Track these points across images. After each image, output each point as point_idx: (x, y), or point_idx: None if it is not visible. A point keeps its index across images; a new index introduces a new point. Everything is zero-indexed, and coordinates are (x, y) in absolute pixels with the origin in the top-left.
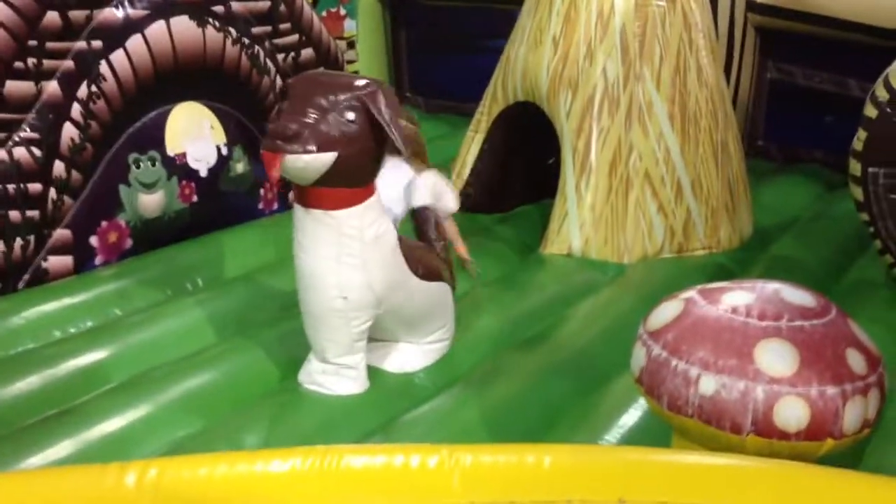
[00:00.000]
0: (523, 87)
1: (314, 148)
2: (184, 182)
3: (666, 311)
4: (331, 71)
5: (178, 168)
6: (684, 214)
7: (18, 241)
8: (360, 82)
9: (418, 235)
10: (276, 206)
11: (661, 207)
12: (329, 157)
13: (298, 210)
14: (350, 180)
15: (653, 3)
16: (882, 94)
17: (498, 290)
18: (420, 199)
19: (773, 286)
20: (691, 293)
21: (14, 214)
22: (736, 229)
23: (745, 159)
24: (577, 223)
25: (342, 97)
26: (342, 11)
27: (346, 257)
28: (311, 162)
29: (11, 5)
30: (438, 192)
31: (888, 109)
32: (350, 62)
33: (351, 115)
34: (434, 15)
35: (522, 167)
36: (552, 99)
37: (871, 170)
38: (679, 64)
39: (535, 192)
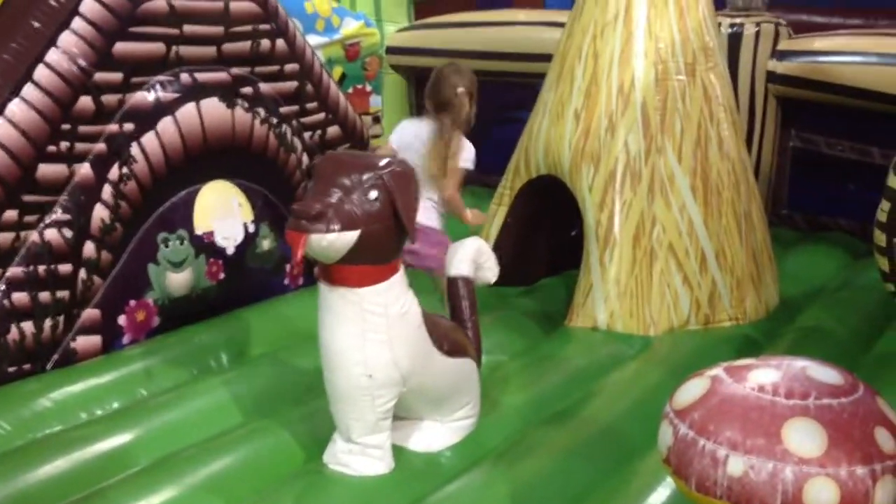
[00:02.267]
0: (546, 161)
1: (338, 227)
2: (211, 260)
3: (692, 389)
4: (355, 151)
5: (205, 246)
6: (709, 286)
7: (48, 322)
8: (383, 161)
9: (450, 306)
10: (301, 281)
11: (686, 279)
12: (353, 236)
13: (323, 288)
14: (374, 258)
15: (673, 77)
16: None
17: (524, 365)
18: (458, 269)
19: (799, 363)
20: (717, 371)
21: (44, 295)
22: (762, 300)
23: (769, 228)
24: (602, 296)
25: (365, 176)
26: (368, 87)
27: (370, 334)
28: (334, 241)
29: (45, 90)
30: (480, 262)
31: None
32: (376, 136)
33: (374, 194)
34: None
35: (545, 239)
36: (575, 173)
37: None
38: (700, 136)
39: (559, 265)
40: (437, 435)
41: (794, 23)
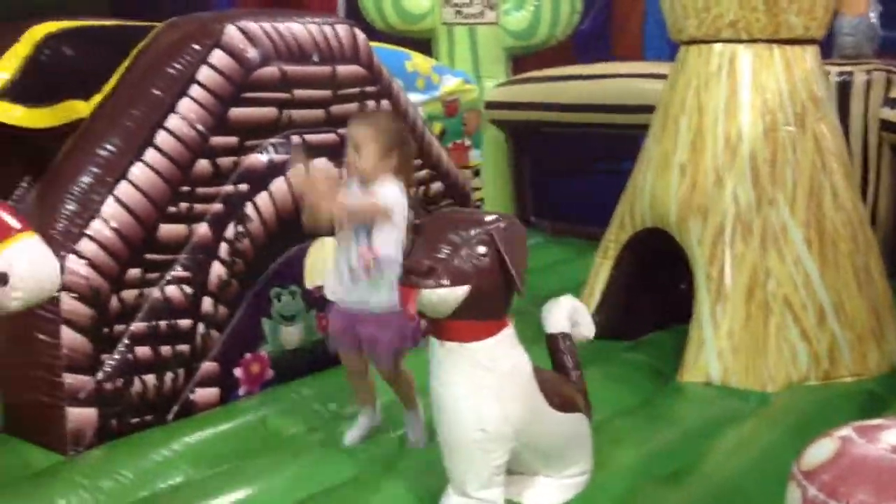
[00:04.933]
0: (651, 214)
1: (448, 282)
2: (321, 314)
3: (821, 450)
4: (461, 208)
5: (315, 300)
6: (829, 340)
7: (169, 375)
8: (490, 217)
9: (553, 362)
10: None
11: (804, 333)
12: (462, 291)
13: (435, 342)
14: (483, 313)
15: (782, 128)
16: None
17: (635, 421)
18: (555, 326)
19: None
20: (847, 431)
21: (165, 349)
22: (885, 354)
23: (888, 280)
24: (715, 350)
25: (473, 232)
26: (467, 142)
27: (482, 389)
28: (445, 296)
29: (166, 154)
30: (576, 319)
31: None
32: (475, 189)
33: (482, 250)
34: (555, 141)
35: (653, 292)
36: (682, 225)
37: None
38: (813, 188)
39: (666, 318)
40: (550, 491)
41: None
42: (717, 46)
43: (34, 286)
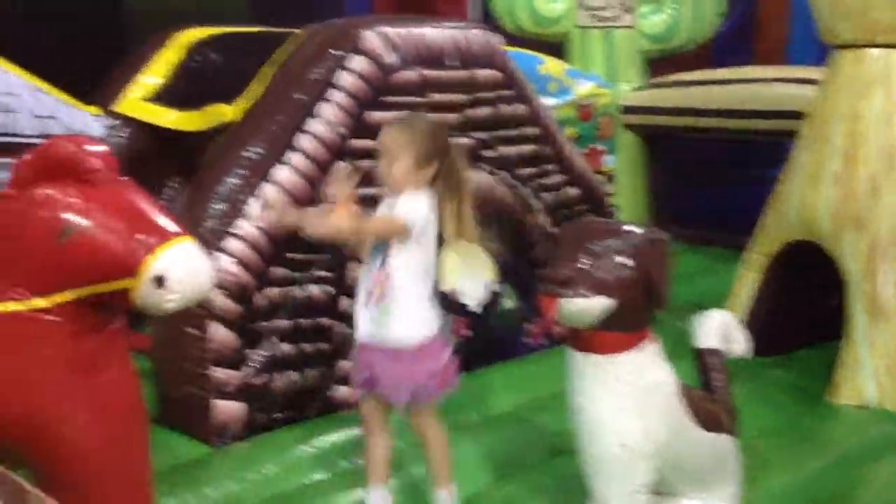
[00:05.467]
0: (801, 225)
1: (588, 293)
2: (457, 317)
3: None
4: (601, 218)
5: (451, 303)
6: None
7: (310, 372)
8: (633, 229)
9: (700, 378)
10: (541, 341)
11: None
12: (602, 302)
13: (575, 354)
14: (625, 324)
15: None
16: None
17: (783, 443)
18: (706, 341)
19: None
20: None
21: (307, 346)
22: None
23: None
24: (871, 371)
25: (614, 243)
26: (601, 147)
27: (623, 403)
28: (584, 306)
29: (309, 157)
30: (728, 335)
31: None
32: (608, 195)
33: (624, 261)
34: (692, 148)
35: (801, 307)
36: (834, 238)
37: None
38: None
39: (814, 334)
40: None
41: None
42: (874, 52)
43: (189, 289)
